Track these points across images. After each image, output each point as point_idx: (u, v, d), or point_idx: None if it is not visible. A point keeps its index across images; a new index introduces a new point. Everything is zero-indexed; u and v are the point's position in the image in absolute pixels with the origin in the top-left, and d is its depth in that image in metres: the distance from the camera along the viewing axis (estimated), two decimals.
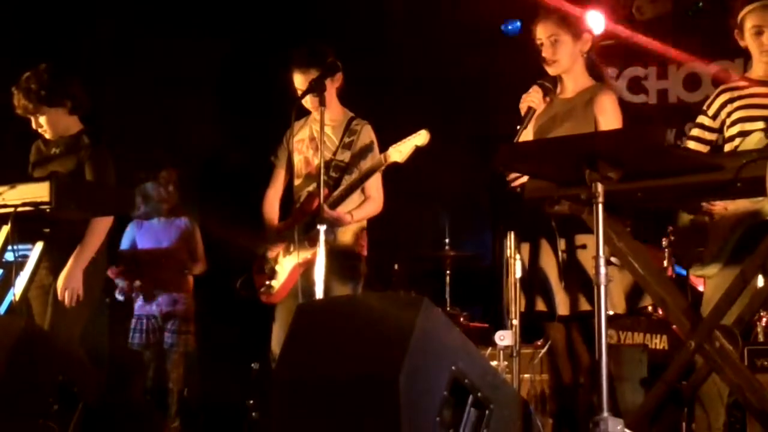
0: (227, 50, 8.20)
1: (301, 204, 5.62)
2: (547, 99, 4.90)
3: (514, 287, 4.81)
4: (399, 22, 8.09)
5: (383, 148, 5.47)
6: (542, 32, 4.94)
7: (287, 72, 5.65)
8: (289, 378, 3.96)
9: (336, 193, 5.44)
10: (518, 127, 4.81)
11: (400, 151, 5.33)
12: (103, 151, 5.56)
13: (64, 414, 4.39)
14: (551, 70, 4.95)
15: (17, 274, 5.03)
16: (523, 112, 4.85)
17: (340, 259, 5.38)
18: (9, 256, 4.99)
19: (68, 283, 5.32)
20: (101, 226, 5.44)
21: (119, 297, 7.36)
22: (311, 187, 5.59)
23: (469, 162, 6.85)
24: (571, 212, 4.41)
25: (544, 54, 4.93)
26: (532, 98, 4.85)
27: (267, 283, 5.63)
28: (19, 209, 4.78)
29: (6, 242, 4.92)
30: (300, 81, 5.56)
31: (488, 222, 7.63)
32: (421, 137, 5.30)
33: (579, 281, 4.72)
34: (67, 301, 5.30)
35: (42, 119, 5.56)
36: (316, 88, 5.30)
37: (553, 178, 4.39)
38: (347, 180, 5.52)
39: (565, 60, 4.94)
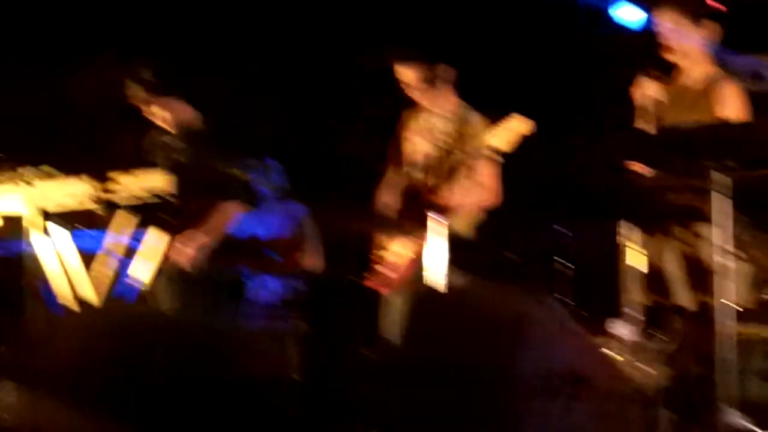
0: (340, 42, 8.26)
1: (412, 193, 5.71)
2: (658, 85, 4.88)
3: (631, 278, 4.79)
4: (507, 12, 8.07)
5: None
6: (663, 18, 4.88)
7: (396, 65, 5.71)
8: (404, 366, 4.05)
9: (444, 180, 5.50)
10: (639, 118, 4.83)
11: (500, 137, 5.36)
12: (224, 136, 5.71)
13: (183, 400, 4.45)
14: (671, 58, 4.91)
15: (138, 260, 5.22)
16: (638, 104, 4.85)
17: (452, 248, 5.38)
18: (130, 243, 5.19)
19: (188, 249, 5.46)
20: (230, 208, 5.61)
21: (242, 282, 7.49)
22: (421, 176, 5.70)
23: (586, 150, 6.81)
24: (689, 202, 4.45)
25: (662, 41, 4.88)
26: (643, 88, 4.85)
27: (379, 270, 5.72)
28: (140, 197, 4.92)
29: (127, 229, 5.11)
30: (405, 73, 5.64)
31: (606, 211, 7.57)
32: (520, 123, 5.33)
33: (697, 273, 4.67)
34: (178, 262, 5.44)
35: (157, 109, 5.71)
36: (427, 78, 5.41)
37: (672, 167, 4.42)
38: (454, 167, 5.57)
39: (686, 47, 4.88)
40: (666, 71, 4.94)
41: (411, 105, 5.79)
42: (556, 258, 7.24)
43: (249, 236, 7.57)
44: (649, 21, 4.99)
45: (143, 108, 5.75)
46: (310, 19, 8.24)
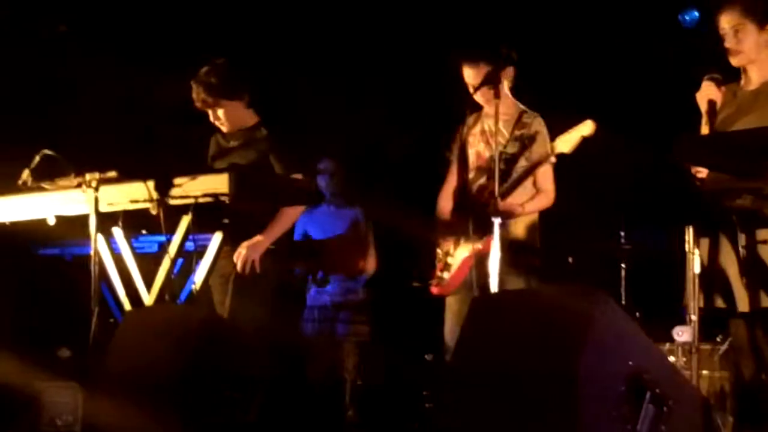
0: (396, 42, 8.27)
1: (473, 197, 5.72)
2: (723, 89, 4.85)
3: (693, 282, 4.75)
4: (570, 13, 8.06)
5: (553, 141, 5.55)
6: (725, 21, 4.84)
7: (456, 65, 5.74)
8: (464, 370, 4.07)
9: (505, 185, 5.50)
10: (703, 122, 4.83)
11: (566, 142, 5.40)
12: (284, 141, 5.73)
13: (243, 402, 4.51)
14: (735, 61, 4.87)
15: (197, 263, 5.20)
16: (702, 108, 4.83)
17: (513, 251, 5.44)
18: (189, 246, 5.16)
19: (249, 251, 5.49)
20: (291, 212, 5.63)
21: (298, 286, 7.53)
22: (482, 180, 5.71)
23: (647, 154, 6.78)
24: (753, 207, 4.47)
25: (726, 44, 4.84)
26: (708, 93, 4.82)
27: (439, 274, 5.74)
28: (199, 200, 4.91)
29: (187, 232, 5.11)
30: (470, 75, 5.67)
31: (665, 215, 7.52)
32: (587, 127, 5.36)
33: (760, 277, 4.65)
34: (239, 267, 5.47)
35: (220, 112, 5.73)
36: (490, 80, 5.40)
37: (735, 171, 4.44)
38: (516, 172, 5.59)
39: (750, 50, 4.82)
40: (730, 75, 4.91)
41: (473, 108, 5.81)
42: (617, 262, 7.18)
43: (309, 240, 7.63)
44: (713, 24, 4.97)
45: (206, 111, 5.79)
46: (372, 19, 8.29)
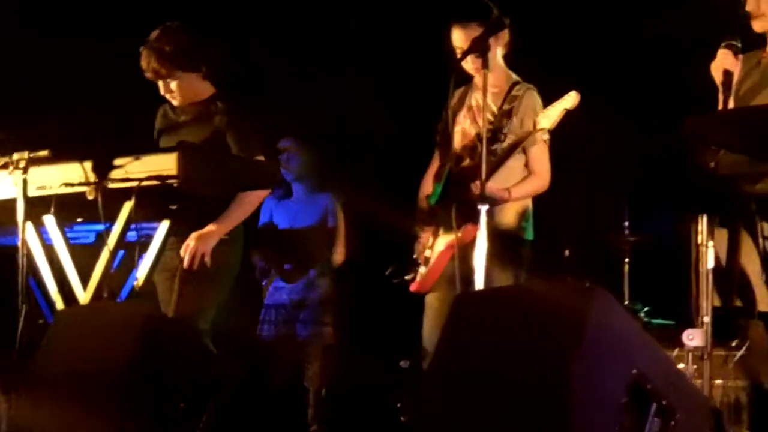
0: (379, 18, 8.29)
1: (455, 180, 5.62)
2: (740, 57, 4.75)
3: (706, 279, 4.67)
4: None
5: None
6: None
7: (446, 32, 5.66)
8: (444, 376, 4.03)
9: (494, 167, 5.36)
10: (720, 96, 4.68)
11: (547, 116, 5.30)
12: (243, 117, 5.60)
13: (192, 414, 4.44)
14: (757, 26, 4.77)
15: (140, 255, 5.14)
16: (718, 80, 4.72)
17: (500, 243, 5.32)
18: (131, 236, 5.09)
19: (198, 243, 5.39)
20: (250, 198, 5.53)
21: (261, 280, 7.45)
22: (466, 162, 5.63)
23: (654, 135, 6.75)
24: None
25: (747, 8, 4.75)
26: (724, 62, 4.71)
27: (416, 269, 5.68)
28: (144, 183, 4.81)
29: (129, 220, 5.01)
30: (460, 38, 5.56)
31: (675, 203, 7.54)
32: (570, 99, 5.25)
33: None
34: (186, 261, 5.38)
35: (173, 84, 5.60)
36: (478, 47, 5.27)
37: (754, 151, 4.38)
38: (507, 153, 5.46)
39: None
40: (735, 42, 4.79)
41: (460, 82, 5.72)
42: (620, 255, 7.20)
43: (273, 228, 7.52)
44: None
45: (157, 83, 5.64)
46: None
